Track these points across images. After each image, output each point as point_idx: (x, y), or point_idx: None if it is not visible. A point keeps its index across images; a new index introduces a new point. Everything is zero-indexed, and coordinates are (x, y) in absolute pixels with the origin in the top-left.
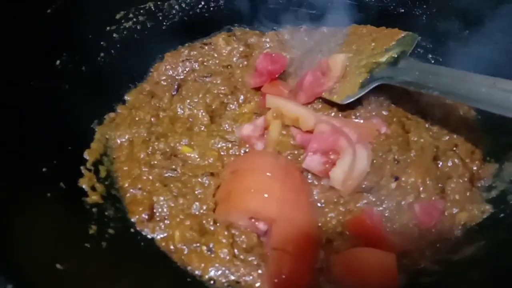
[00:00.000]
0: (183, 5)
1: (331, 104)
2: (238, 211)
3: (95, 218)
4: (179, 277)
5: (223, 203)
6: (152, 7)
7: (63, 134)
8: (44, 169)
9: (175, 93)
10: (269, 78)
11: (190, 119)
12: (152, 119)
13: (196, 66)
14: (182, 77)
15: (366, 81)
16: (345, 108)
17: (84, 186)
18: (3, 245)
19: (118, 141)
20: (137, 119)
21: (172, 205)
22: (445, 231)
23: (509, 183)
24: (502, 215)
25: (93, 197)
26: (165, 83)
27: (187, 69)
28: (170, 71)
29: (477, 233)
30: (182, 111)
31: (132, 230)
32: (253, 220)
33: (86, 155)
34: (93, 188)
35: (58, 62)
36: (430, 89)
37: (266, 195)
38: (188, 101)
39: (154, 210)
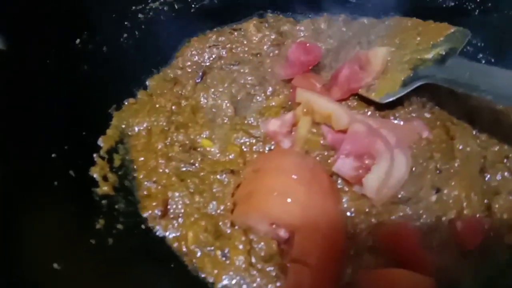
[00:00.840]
0: None
1: (368, 102)
2: (258, 215)
3: (104, 211)
4: (189, 282)
5: (243, 204)
6: None
7: (78, 118)
8: (53, 155)
9: (199, 80)
10: (301, 70)
11: (213, 110)
12: (173, 108)
13: (224, 53)
14: (207, 64)
15: (409, 79)
16: (383, 108)
17: (95, 176)
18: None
19: (136, 129)
20: (157, 106)
21: (188, 202)
22: (490, 253)
23: None
24: None
25: (104, 188)
26: (189, 70)
27: (213, 56)
28: (196, 57)
29: None
30: (206, 101)
31: (142, 226)
32: (274, 226)
33: (100, 141)
34: (104, 178)
35: (78, 41)
36: (482, 92)
37: (289, 200)
38: (213, 90)
39: (168, 207)
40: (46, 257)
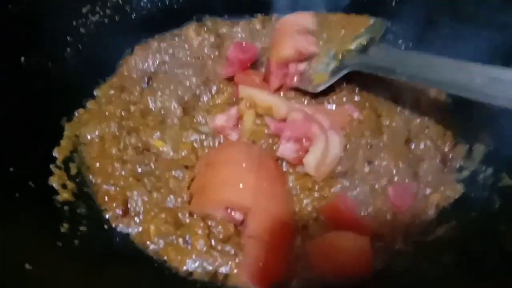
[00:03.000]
0: None
1: (303, 92)
2: (214, 203)
3: (66, 216)
4: (156, 272)
5: (198, 195)
6: (119, 0)
7: (31, 132)
8: (11, 169)
9: (145, 86)
10: (241, 68)
11: (162, 112)
12: (123, 113)
13: (167, 58)
14: (152, 70)
15: (336, 68)
16: (317, 96)
17: (54, 185)
18: None
19: (88, 137)
20: (107, 113)
21: (146, 199)
22: (418, 213)
23: (479, 163)
24: (472, 194)
25: (64, 195)
26: (135, 76)
27: (157, 62)
28: (140, 64)
29: (449, 213)
30: (154, 104)
31: (106, 227)
32: (229, 210)
33: (55, 152)
34: (63, 186)
35: (22, 59)
36: (398, 74)
37: (241, 186)
38: (160, 93)
39: (128, 205)
40: (18, 258)
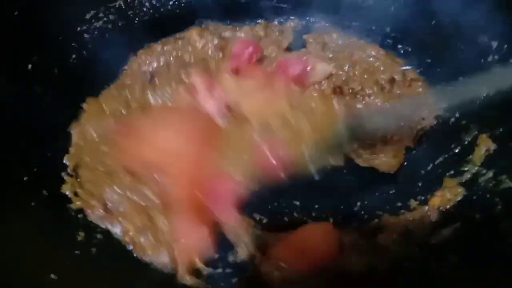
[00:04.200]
0: (154, 2)
1: None
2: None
3: (81, 224)
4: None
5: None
6: (122, 5)
7: (40, 140)
8: (25, 178)
9: (148, 82)
10: (247, 61)
11: None
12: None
13: (171, 59)
14: (156, 69)
15: None
16: None
17: (67, 193)
18: None
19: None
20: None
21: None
22: (421, 217)
23: (480, 166)
24: (475, 197)
25: (77, 203)
26: (138, 76)
27: (161, 64)
28: (144, 67)
29: (453, 215)
30: (155, 101)
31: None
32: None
33: (66, 160)
34: (76, 194)
35: (29, 66)
36: None
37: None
38: (161, 90)
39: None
40: (43, 269)
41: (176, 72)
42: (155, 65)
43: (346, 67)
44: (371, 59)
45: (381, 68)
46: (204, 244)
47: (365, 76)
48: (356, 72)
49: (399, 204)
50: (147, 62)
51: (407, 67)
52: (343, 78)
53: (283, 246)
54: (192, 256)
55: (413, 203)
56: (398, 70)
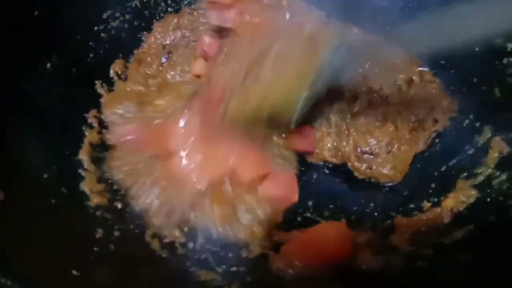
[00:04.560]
0: (169, 2)
1: None
2: None
3: (99, 221)
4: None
5: None
6: (138, 5)
7: (58, 138)
8: (45, 175)
9: (165, 60)
10: None
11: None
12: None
13: (187, 33)
14: (172, 43)
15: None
16: None
17: (86, 190)
18: (16, 258)
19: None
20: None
21: None
22: (434, 218)
23: (493, 168)
24: (488, 199)
25: (95, 200)
26: (154, 51)
27: (177, 37)
28: (159, 40)
29: (466, 217)
30: (173, 79)
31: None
32: None
33: (81, 155)
34: (93, 191)
35: (48, 65)
36: None
37: None
38: (179, 67)
39: None
40: (66, 266)
41: (193, 48)
42: (171, 39)
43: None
44: (391, 57)
45: (400, 67)
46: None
47: (385, 76)
48: (377, 71)
49: (412, 205)
50: (163, 35)
51: (425, 69)
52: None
53: (297, 244)
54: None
55: (426, 204)
56: (416, 70)
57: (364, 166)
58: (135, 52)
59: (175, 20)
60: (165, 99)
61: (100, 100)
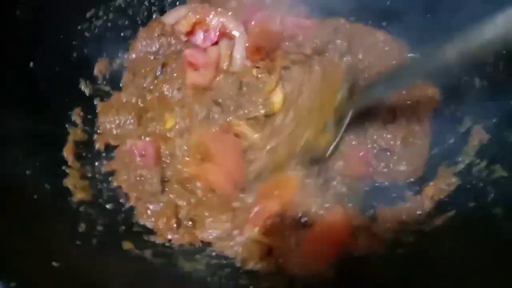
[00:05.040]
0: (152, 0)
1: None
2: None
3: (83, 216)
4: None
5: None
6: (121, 4)
7: (41, 136)
8: (27, 172)
9: (159, 73)
10: None
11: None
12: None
13: (172, 40)
14: (160, 52)
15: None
16: None
17: (69, 186)
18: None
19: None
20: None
21: None
22: (415, 206)
23: (473, 156)
24: (468, 186)
25: (78, 196)
26: (146, 60)
27: (164, 44)
28: (147, 48)
29: (446, 204)
30: (170, 93)
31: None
32: None
33: (65, 152)
34: (77, 187)
35: (31, 64)
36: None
37: None
38: (175, 81)
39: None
40: (46, 257)
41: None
42: (157, 46)
43: (361, 55)
44: (380, 44)
45: (391, 54)
46: None
47: (379, 63)
48: (371, 60)
49: (394, 195)
50: (149, 41)
51: (413, 54)
52: (361, 67)
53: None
54: None
55: (407, 193)
56: (406, 56)
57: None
58: (125, 58)
59: (160, 26)
60: (172, 116)
61: (85, 96)
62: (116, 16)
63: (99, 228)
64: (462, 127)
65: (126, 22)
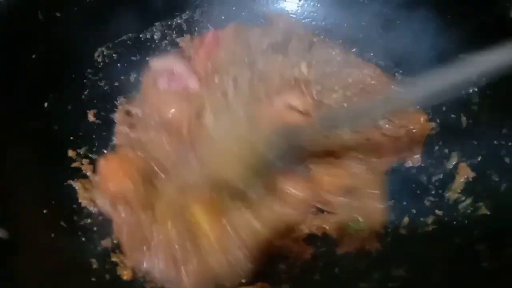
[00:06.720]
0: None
1: None
2: None
3: (94, 253)
4: None
5: None
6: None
7: (55, 172)
8: (45, 211)
9: None
10: None
11: None
12: None
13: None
14: None
15: None
16: None
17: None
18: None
19: None
20: None
21: None
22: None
23: (459, 193)
24: (454, 222)
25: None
26: None
27: None
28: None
29: (434, 239)
30: None
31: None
32: None
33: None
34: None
35: (46, 104)
36: None
37: None
38: None
39: None
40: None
41: None
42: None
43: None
44: (368, 78)
45: (378, 88)
46: None
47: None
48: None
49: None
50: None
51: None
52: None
53: None
54: None
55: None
56: (392, 89)
57: None
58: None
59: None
60: None
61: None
62: (124, 52)
63: (107, 266)
64: (449, 164)
65: (135, 59)
